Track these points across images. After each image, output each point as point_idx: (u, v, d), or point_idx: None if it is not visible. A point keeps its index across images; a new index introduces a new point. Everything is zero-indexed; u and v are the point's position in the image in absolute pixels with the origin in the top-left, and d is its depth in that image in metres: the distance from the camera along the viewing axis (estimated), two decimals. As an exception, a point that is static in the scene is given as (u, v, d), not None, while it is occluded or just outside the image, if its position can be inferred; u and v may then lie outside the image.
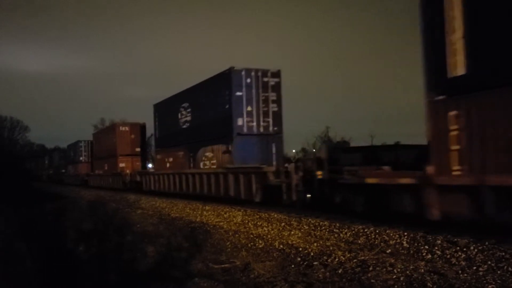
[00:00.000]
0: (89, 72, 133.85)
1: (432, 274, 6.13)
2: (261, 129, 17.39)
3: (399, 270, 6.37)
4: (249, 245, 8.98)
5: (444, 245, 7.51)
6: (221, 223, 12.19)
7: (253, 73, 17.24)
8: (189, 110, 21.06)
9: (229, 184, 17.04)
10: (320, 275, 6.46)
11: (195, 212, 15.19)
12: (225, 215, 13.71)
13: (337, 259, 7.22)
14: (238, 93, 16.94)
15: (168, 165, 24.01)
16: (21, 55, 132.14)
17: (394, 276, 6.13)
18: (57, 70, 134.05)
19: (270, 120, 17.53)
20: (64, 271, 7.09)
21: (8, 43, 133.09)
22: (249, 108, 17.09)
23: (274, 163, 16.78)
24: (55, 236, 10.63)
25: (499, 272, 6.04)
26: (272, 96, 17.49)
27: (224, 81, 17.48)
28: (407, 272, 6.26)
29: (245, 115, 17.06)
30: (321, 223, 10.57)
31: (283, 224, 11.09)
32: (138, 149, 32.45)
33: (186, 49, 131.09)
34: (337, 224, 10.16)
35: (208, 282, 6.42)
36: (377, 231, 9.02)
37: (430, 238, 7.97)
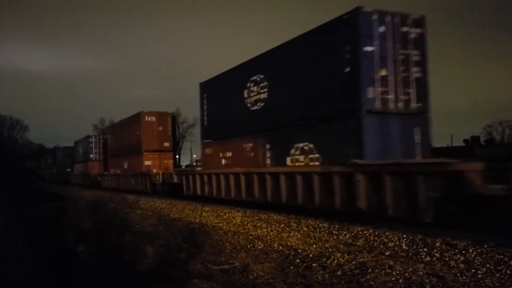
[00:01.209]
0: (90, 71, 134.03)
1: (431, 276, 6.15)
2: (400, 105, 11.26)
3: (398, 272, 6.39)
4: (248, 246, 9.00)
5: (443, 247, 7.53)
6: (220, 224, 12.21)
7: (388, 18, 11.19)
8: (264, 84, 14.75)
9: (356, 192, 10.62)
10: (319, 277, 6.48)
11: (194, 213, 15.20)
12: (224, 216, 13.73)
13: (336, 261, 7.23)
14: (368, 48, 10.96)
15: (224, 161, 17.38)
16: (22, 54, 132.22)
17: (393, 279, 6.15)
18: (57, 69, 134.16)
19: (413, 91, 11.38)
20: (65, 271, 7.10)
21: (9, 42, 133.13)
22: (383, 72, 11.12)
23: (419, 156, 11.24)
24: (56, 236, 10.63)
25: (497, 275, 6.07)
26: (415, 54, 11.42)
27: (344, 29, 11.37)
28: (406, 274, 6.28)
29: (378, 83, 10.97)
30: (320, 224, 10.59)
31: (282, 225, 11.12)
32: (167, 144, 27.18)
33: (190, 49, 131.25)
34: (336, 226, 10.18)
35: (207, 283, 6.44)
36: (376, 233, 9.05)
37: (429, 241, 7.99)
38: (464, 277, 6.05)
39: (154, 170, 25.46)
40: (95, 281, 6.51)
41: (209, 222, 12.88)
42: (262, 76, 14.96)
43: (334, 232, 9.75)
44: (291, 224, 11.16)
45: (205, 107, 19.39)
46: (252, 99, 15.46)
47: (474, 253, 7.03)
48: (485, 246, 7.32)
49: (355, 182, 10.70)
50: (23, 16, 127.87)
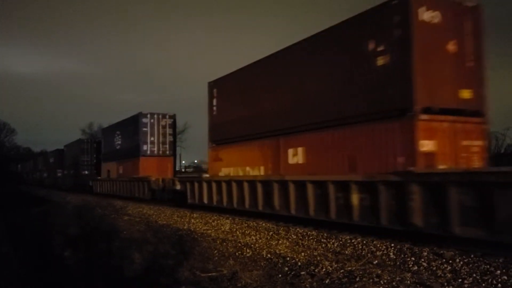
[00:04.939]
0: (77, 75, 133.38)
1: (418, 285, 6.18)
2: None
3: (385, 281, 6.41)
4: (236, 253, 8.97)
5: (430, 257, 7.58)
6: (209, 231, 12.15)
7: None
8: None
9: None
10: (307, 285, 6.48)
11: (182, 220, 15.12)
12: (213, 223, 13.67)
13: (324, 269, 7.24)
14: None
15: None
16: (10, 58, 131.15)
17: (381, 287, 6.17)
18: (46, 73, 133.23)
19: None
20: (51, 276, 7.02)
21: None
22: None
23: None
24: (42, 241, 10.50)
25: (484, 284, 6.12)
26: None
27: None
28: (394, 283, 6.31)
29: None
30: (309, 232, 10.60)
31: (271, 233, 11.10)
32: (469, 94, 9.85)
33: (176, 54, 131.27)
34: (325, 234, 10.20)
35: (195, 291, 6.40)
36: (364, 242, 9.08)
37: (416, 250, 8.04)
38: (451, 287, 6.10)
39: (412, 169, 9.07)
40: (80, 286, 6.44)
41: (197, 229, 12.82)
42: None
43: (322, 240, 9.77)
44: (280, 231, 11.15)
45: None
46: None
47: (461, 262, 7.09)
48: (472, 256, 7.39)
49: None
50: (11, 19, 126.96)
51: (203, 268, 7.73)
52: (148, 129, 24.16)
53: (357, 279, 6.59)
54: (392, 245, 8.55)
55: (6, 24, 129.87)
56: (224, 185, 15.49)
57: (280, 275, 7.13)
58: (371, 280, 6.48)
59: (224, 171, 16.38)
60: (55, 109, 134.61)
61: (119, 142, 27.81)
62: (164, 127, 24.56)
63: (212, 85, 17.47)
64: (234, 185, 14.88)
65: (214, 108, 17.31)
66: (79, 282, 6.69)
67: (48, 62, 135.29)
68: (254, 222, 12.87)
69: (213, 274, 7.34)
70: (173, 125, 24.85)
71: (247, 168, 15.03)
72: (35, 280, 6.87)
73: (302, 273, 7.14)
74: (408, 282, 6.36)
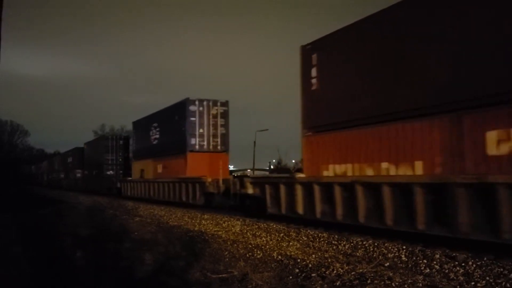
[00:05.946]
0: (90, 78, 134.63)
1: (430, 288, 6.12)
2: None
3: (397, 283, 6.35)
4: (247, 255, 8.96)
5: (443, 259, 7.51)
6: (220, 232, 12.17)
7: None
8: None
9: None
10: (318, 287, 6.45)
11: (193, 221, 15.16)
12: (223, 224, 13.68)
13: (335, 271, 7.20)
14: None
15: None
16: (23, 60, 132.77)
17: (392, 290, 6.12)
18: (58, 75, 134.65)
19: None
20: (61, 277, 7.08)
21: (10, 47, 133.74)
22: None
23: None
24: (52, 242, 10.61)
25: (497, 288, 6.04)
26: None
27: None
28: (405, 286, 6.25)
29: None
30: (319, 234, 10.56)
31: (281, 234, 11.08)
32: None
33: (187, 55, 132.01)
34: (336, 236, 10.16)
35: (206, 292, 6.40)
36: (376, 244, 9.02)
37: (428, 252, 7.97)
38: (464, 290, 6.03)
39: None
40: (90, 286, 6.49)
41: (208, 230, 12.84)
42: None
43: (333, 242, 9.73)
44: (290, 233, 11.12)
45: None
46: None
47: (474, 265, 7.01)
48: (485, 258, 7.30)
49: None
50: (23, 21, 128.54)
51: (213, 269, 7.73)
52: (197, 118, 19.92)
53: (369, 281, 6.54)
54: (404, 247, 8.49)
55: (18, 25, 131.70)
56: (338, 190, 10.83)
57: (290, 277, 7.11)
58: (382, 283, 6.43)
59: (335, 170, 11.28)
60: (68, 111, 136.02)
61: (157, 136, 23.50)
62: (215, 116, 20.36)
63: (310, 48, 12.29)
64: (359, 190, 10.16)
65: (313, 80, 12.12)
66: (88, 282, 6.74)
67: (58, 65, 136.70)
68: (264, 224, 12.85)
69: (224, 275, 7.34)
70: (226, 115, 20.72)
71: (384, 165, 9.83)
72: (45, 280, 6.94)
73: (313, 275, 7.11)
74: (420, 284, 6.30)
